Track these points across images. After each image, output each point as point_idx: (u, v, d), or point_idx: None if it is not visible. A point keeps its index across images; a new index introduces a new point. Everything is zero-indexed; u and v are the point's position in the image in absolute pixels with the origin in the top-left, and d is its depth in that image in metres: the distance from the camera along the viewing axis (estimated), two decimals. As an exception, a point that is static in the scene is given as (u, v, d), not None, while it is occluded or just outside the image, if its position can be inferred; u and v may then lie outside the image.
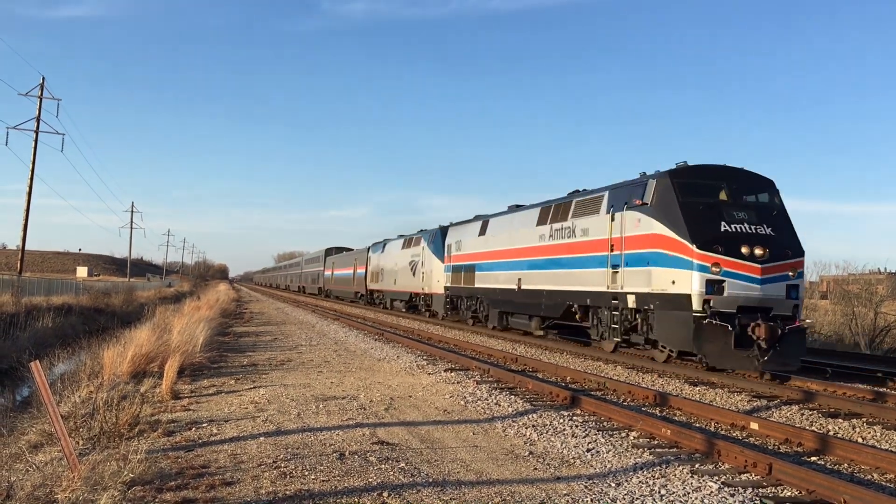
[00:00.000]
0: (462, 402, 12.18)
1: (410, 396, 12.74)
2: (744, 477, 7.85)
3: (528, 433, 9.86)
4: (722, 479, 7.65)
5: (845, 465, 8.70)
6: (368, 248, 51.29)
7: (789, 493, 7.30)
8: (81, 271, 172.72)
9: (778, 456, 8.64)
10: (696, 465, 8.23)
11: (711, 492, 7.20)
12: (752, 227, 15.33)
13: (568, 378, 15.57)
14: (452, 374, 15.65)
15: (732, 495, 7.09)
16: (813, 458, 8.98)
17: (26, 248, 43.02)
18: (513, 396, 12.74)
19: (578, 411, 11.53)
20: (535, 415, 11.04)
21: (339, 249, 72.45)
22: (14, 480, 7.36)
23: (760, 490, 7.36)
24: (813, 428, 10.92)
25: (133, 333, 18.06)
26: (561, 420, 10.68)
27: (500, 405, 11.89)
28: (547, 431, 9.95)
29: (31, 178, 41.81)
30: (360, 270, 53.82)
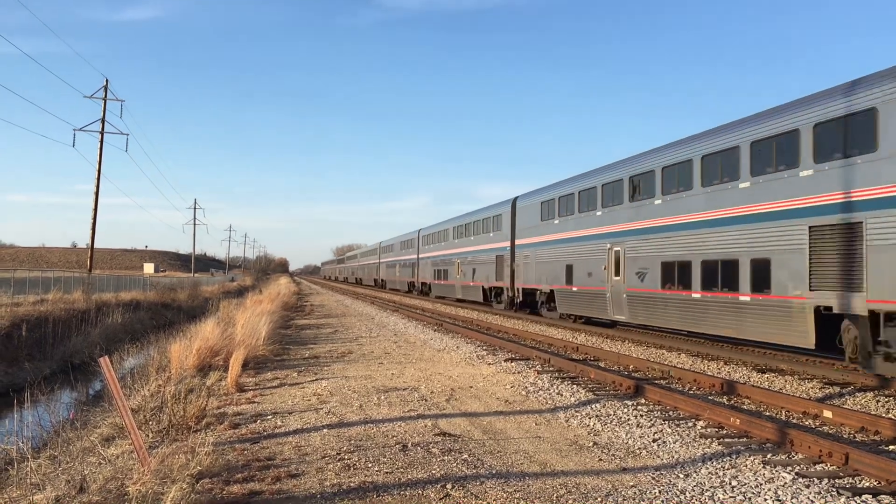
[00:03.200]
0: (523, 393, 12.08)
1: (471, 387, 12.69)
2: (819, 467, 7.58)
3: (591, 423, 9.71)
4: (796, 470, 7.39)
5: (927, 454, 8.33)
6: None
7: (868, 484, 7.01)
8: (148, 267, 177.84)
9: (854, 445, 8.33)
10: (768, 456, 7.98)
11: (785, 483, 6.96)
12: None
13: (631, 366, 15.32)
14: (513, 363, 15.55)
15: (808, 486, 6.84)
16: (891, 447, 8.62)
17: (95, 246, 44.37)
18: (575, 386, 12.58)
19: (643, 400, 11.32)
20: (598, 404, 10.88)
21: None
22: (87, 473, 7.55)
23: (837, 481, 7.08)
24: (890, 415, 10.51)
25: (198, 328, 18.44)
26: (625, 410, 10.49)
27: (562, 395, 11.75)
28: (611, 421, 9.78)
29: (98, 178, 43.06)
30: None
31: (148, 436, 8.86)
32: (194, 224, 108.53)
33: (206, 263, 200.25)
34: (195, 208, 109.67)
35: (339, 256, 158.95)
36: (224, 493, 6.58)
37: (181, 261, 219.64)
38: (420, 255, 55.52)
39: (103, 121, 44.34)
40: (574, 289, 25.41)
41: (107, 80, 44.45)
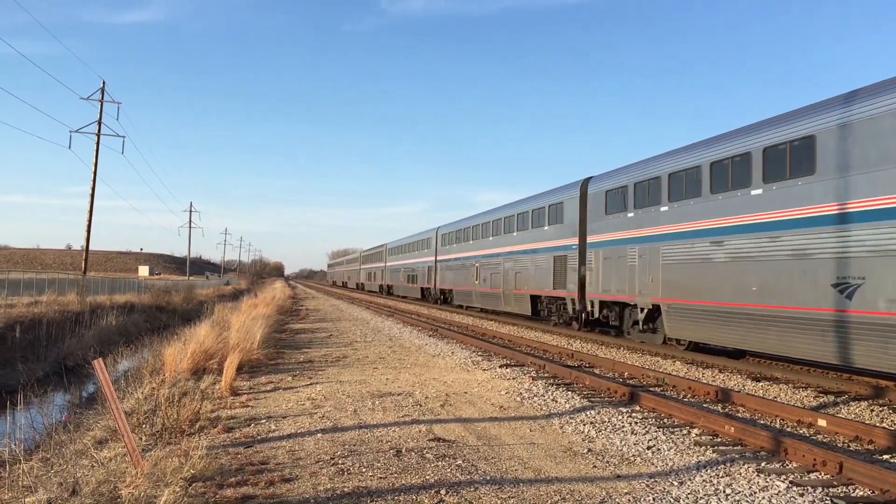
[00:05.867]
0: (518, 399, 12.06)
1: (466, 393, 12.68)
2: (813, 476, 7.58)
3: (586, 430, 9.70)
4: (790, 479, 7.39)
5: (921, 463, 8.34)
6: None
7: (861, 493, 7.01)
8: (143, 270, 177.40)
9: (848, 454, 8.32)
10: (763, 464, 7.98)
11: (779, 491, 6.96)
12: None
13: (626, 373, 15.32)
14: (508, 369, 15.54)
15: (802, 495, 6.84)
16: (885, 457, 8.63)
17: (90, 248, 44.26)
18: (569, 392, 12.57)
19: (637, 408, 11.32)
20: (592, 411, 10.87)
21: None
22: (79, 476, 7.51)
23: (831, 490, 7.08)
24: (884, 424, 10.52)
25: (193, 331, 18.40)
26: (620, 417, 10.48)
27: (556, 401, 11.74)
28: (605, 428, 9.77)
29: (94, 180, 42.97)
30: None
31: (141, 439, 8.82)
32: (190, 227, 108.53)
33: (201, 267, 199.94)
34: (191, 211, 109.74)
35: (338, 259, 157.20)
36: (217, 496, 6.56)
37: (176, 264, 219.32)
38: (387, 264, 70.45)
39: (100, 122, 44.31)
40: (462, 289, 40.67)
41: (104, 82, 44.43)
